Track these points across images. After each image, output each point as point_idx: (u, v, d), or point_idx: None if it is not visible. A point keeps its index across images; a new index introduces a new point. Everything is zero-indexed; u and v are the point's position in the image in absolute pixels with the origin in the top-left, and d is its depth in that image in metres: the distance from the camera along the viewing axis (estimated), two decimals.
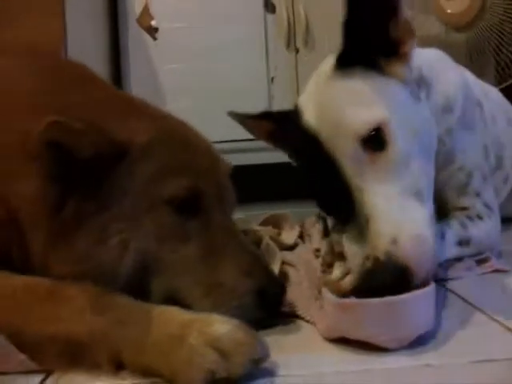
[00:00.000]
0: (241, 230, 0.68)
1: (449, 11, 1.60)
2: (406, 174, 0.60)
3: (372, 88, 0.63)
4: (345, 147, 0.60)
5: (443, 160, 0.80)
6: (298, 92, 1.98)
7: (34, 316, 0.53)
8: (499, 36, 1.55)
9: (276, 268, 0.70)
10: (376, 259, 0.54)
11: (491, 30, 1.55)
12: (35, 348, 0.52)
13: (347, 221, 0.61)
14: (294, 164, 0.77)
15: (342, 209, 0.61)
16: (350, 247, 0.61)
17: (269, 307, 0.61)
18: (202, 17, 2.02)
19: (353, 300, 0.53)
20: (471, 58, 1.57)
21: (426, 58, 0.79)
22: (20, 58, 0.72)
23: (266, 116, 0.83)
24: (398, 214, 0.56)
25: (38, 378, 0.51)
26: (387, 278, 0.53)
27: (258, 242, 0.82)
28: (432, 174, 0.66)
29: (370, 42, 0.65)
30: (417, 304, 0.53)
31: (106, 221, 0.59)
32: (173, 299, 0.60)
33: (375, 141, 0.59)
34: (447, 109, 0.81)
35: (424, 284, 0.54)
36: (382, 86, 0.63)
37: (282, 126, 0.78)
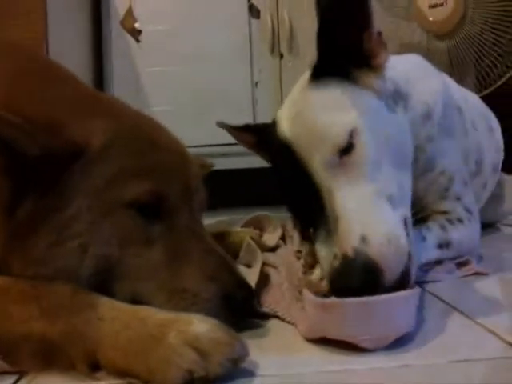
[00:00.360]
0: (218, 232, 0.67)
1: (431, 19, 1.63)
2: (376, 177, 0.60)
3: (345, 97, 0.65)
4: (319, 153, 0.61)
5: (424, 166, 0.81)
6: (281, 97, 1.99)
7: (7, 315, 0.52)
8: (480, 45, 1.58)
9: (257, 269, 0.69)
10: (344, 256, 0.54)
11: (472, 38, 1.58)
12: (8, 348, 0.50)
13: (317, 225, 0.61)
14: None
15: (313, 213, 0.62)
16: (319, 249, 0.61)
17: (236, 312, 0.59)
18: (186, 20, 2.03)
19: (333, 300, 0.53)
20: (452, 66, 1.60)
21: (402, 70, 0.81)
22: None
23: (247, 128, 0.88)
24: (367, 214, 0.56)
25: (10, 380, 0.50)
26: (356, 276, 0.52)
27: (239, 243, 0.82)
28: (407, 183, 0.66)
29: (344, 54, 0.67)
30: (397, 305, 0.53)
31: (63, 222, 0.57)
32: (139, 302, 0.58)
33: (346, 146, 0.61)
34: (427, 116, 0.82)
35: (401, 286, 0.54)
36: (354, 95, 0.65)
37: (261, 137, 0.82)
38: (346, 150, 0.61)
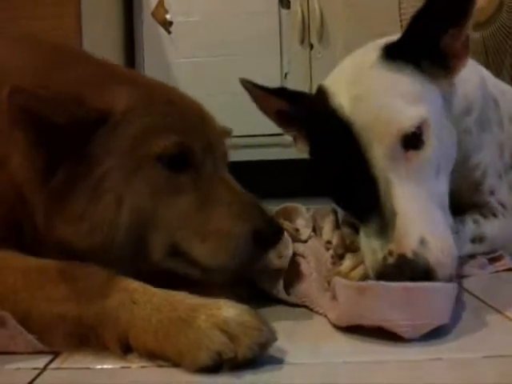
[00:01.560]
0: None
1: None
2: (435, 181, 0.59)
3: (419, 88, 0.61)
4: (382, 139, 0.57)
5: (459, 159, 0.79)
6: (311, 87, 1.97)
7: (44, 295, 0.53)
8: None
9: (287, 259, 0.70)
10: (401, 256, 0.53)
11: (508, 28, 1.53)
12: (43, 328, 0.52)
13: (367, 215, 0.59)
14: (300, 148, 0.75)
15: (363, 202, 0.59)
16: (367, 242, 0.58)
17: (266, 246, 0.64)
18: (216, 11, 2.03)
19: (372, 282, 0.52)
20: (488, 56, 1.55)
21: None
22: (8, 40, 0.76)
23: (280, 92, 0.78)
24: (426, 216, 0.55)
25: (45, 359, 0.51)
26: (410, 276, 0.52)
27: None
28: (448, 191, 0.64)
29: (423, 45, 0.63)
30: (437, 295, 0.52)
31: (98, 179, 0.61)
32: (175, 252, 0.63)
33: (414, 139, 0.58)
34: (467, 110, 0.79)
35: None
36: (427, 89, 0.62)
37: (299, 107, 0.74)
38: (415, 144, 0.58)
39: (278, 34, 1.99)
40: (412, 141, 0.58)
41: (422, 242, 0.53)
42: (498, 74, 1.45)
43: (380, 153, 0.57)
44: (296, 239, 0.81)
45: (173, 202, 0.63)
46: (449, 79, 0.67)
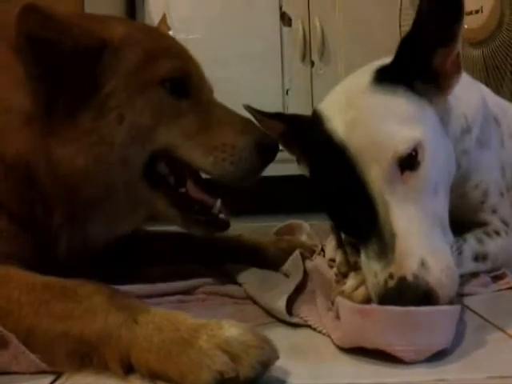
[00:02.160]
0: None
1: (466, 26, 1.60)
2: (433, 200, 0.59)
3: (413, 109, 0.61)
4: (378, 162, 0.57)
5: (458, 179, 0.79)
6: (312, 104, 1.98)
7: (48, 312, 0.54)
8: None
9: (295, 282, 0.70)
10: (402, 279, 0.53)
11: (508, 46, 1.55)
12: (46, 345, 0.52)
13: (367, 237, 0.59)
14: (302, 169, 0.77)
15: (362, 224, 0.59)
16: (367, 264, 0.58)
17: (266, 157, 0.73)
18: (217, 28, 2.04)
19: (374, 306, 0.52)
20: (488, 74, 1.56)
21: None
22: None
23: (278, 117, 0.81)
24: (426, 237, 0.55)
25: (48, 379, 0.51)
26: (411, 300, 0.51)
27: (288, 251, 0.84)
28: (448, 208, 0.64)
29: (415, 65, 0.64)
30: (440, 319, 0.52)
31: (102, 100, 0.67)
32: (160, 157, 0.71)
33: (410, 160, 0.58)
34: (466, 130, 0.79)
35: None
36: (421, 109, 0.62)
37: (294, 128, 0.77)
38: (411, 165, 0.58)
39: (280, 51, 2.00)
40: (408, 162, 0.58)
41: (423, 263, 0.53)
42: (498, 90, 1.45)
43: (376, 176, 0.57)
44: (306, 257, 0.81)
45: (174, 123, 0.70)
46: (442, 97, 0.67)
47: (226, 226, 0.78)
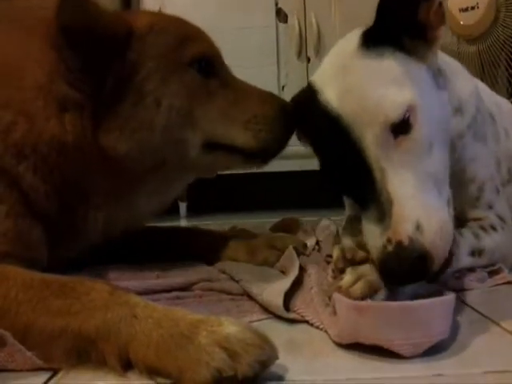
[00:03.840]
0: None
1: (462, 23, 1.60)
2: (428, 160, 0.60)
3: (402, 69, 0.62)
4: (371, 129, 0.58)
5: (453, 169, 0.80)
6: None
7: (45, 308, 0.53)
8: (510, 51, 1.55)
9: (291, 278, 0.70)
10: (399, 243, 0.54)
11: (504, 42, 1.55)
12: (44, 342, 0.52)
13: (366, 203, 0.60)
14: (302, 143, 0.78)
15: (361, 190, 0.61)
16: (368, 228, 0.60)
17: (289, 124, 0.77)
18: (213, 25, 2.03)
19: (369, 302, 0.52)
20: (483, 70, 1.57)
21: (441, 56, 0.78)
22: None
23: None
24: (420, 199, 0.57)
25: (44, 376, 0.51)
26: (409, 263, 0.54)
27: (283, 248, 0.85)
28: (448, 163, 0.65)
29: (400, 22, 0.64)
30: (434, 311, 0.52)
31: (138, 84, 0.71)
32: (210, 143, 0.75)
33: (402, 124, 0.59)
34: (458, 110, 0.80)
35: (444, 267, 0.56)
36: (410, 68, 0.63)
37: (293, 104, 0.78)
38: (403, 129, 0.59)
39: (276, 47, 2.00)
40: (400, 127, 0.59)
41: (418, 227, 0.55)
42: (493, 85, 1.46)
43: (371, 142, 0.58)
44: (300, 253, 0.81)
45: (207, 101, 0.75)
46: (431, 52, 0.67)
47: (277, 150, 0.82)
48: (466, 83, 0.83)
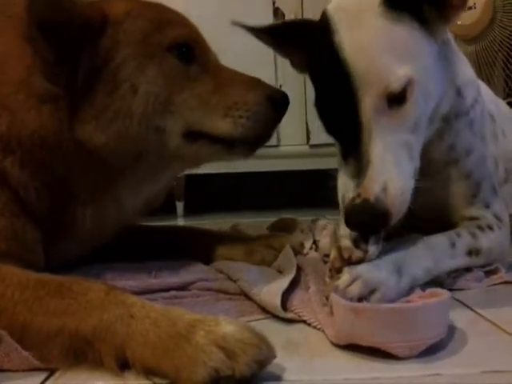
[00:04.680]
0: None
1: (459, 23, 1.60)
2: (411, 132, 0.65)
3: (412, 41, 0.65)
4: (370, 92, 0.62)
5: (447, 155, 0.80)
6: (305, 99, 1.98)
7: (42, 308, 0.53)
8: (509, 48, 1.55)
9: (288, 278, 0.70)
10: (366, 200, 0.62)
11: (501, 42, 1.55)
12: (40, 342, 0.52)
13: (348, 155, 0.65)
14: (297, 70, 0.80)
15: (346, 141, 0.66)
16: (344, 178, 0.65)
17: (279, 109, 0.76)
18: (210, 24, 2.02)
19: (366, 305, 0.53)
20: (481, 70, 1.57)
21: (450, 38, 0.79)
22: None
23: (284, 26, 0.83)
24: (393, 165, 0.63)
25: (41, 376, 0.50)
26: (371, 217, 0.62)
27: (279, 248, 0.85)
28: (425, 136, 0.71)
29: None
30: (431, 313, 0.52)
31: (114, 70, 0.69)
32: (192, 132, 0.72)
33: (399, 95, 0.63)
34: (458, 93, 0.80)
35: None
36: (420, 41, 0.66)
37: (297, 31, 0.77)
38: (398, 100, 0.63)
39: None
40: (396, 97, 0.63)
41: (384, 189, 0.62)
42: (489, 85, 1.46)
43: (367, 104, 0.62)
44: (297, 252, 0.81)
45: (186, 87, 0.72)
46: (443, 28, 0.69)
47: (264, 139, 0.79)
48: (468, 70, 0.85)
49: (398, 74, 0.62)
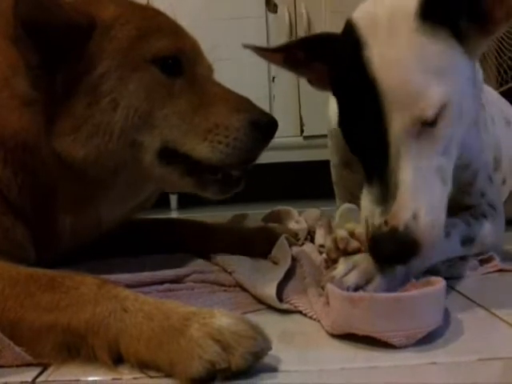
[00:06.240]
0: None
1: None
2: (442, 155, 0.61)
3: (449, 61, 0.60)
4: (402, 114, 0.58)
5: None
6: (298, 92, 1.98)
7: (33, 304, 0.52)
8: (499, 40, 1.55)
9: (283, 269, 0.69)
10: (394, 228, 0.57)
11: None
12: (32, 338, 0.51)
13: (373, 178, 0.61)
14: (317, 88, 0.75)
15: (372, 162, 0.61)
16: (368, 203, 0.61)
17: (264, 135, 0.70)
18: (203, 15, 2.02)
19: (362, 294, 0.52)
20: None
21: None
22: None
23: (301, 43, 0.76)
24: (424, 191, 0.58)
25: (34, 372, 0.50)
26: (400, 247, 0.57)
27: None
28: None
29: (464, 1, 0.61)
30: (426, 301, 0.52)
31: (95, 82, 0.66)
32: (167, 150, 0.69)
33: (432, 120, 0.58)
34: None
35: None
36: (457, 60, 0.61)
37: (316, 47, 0.72)
38: (431, 123, 0.58)
39: (266, 38, 1.99)
40: (429, 122, 0.59)
41: (415, 216, 0.57)
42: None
43: (398, 126, 0.58)
44: (292, 243, 0.81)
45: (169, 103, 0.68)
46: (481, 45, 0.64)
47: (240, 182, 0.76)
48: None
49: (434, 99, 0.57)
